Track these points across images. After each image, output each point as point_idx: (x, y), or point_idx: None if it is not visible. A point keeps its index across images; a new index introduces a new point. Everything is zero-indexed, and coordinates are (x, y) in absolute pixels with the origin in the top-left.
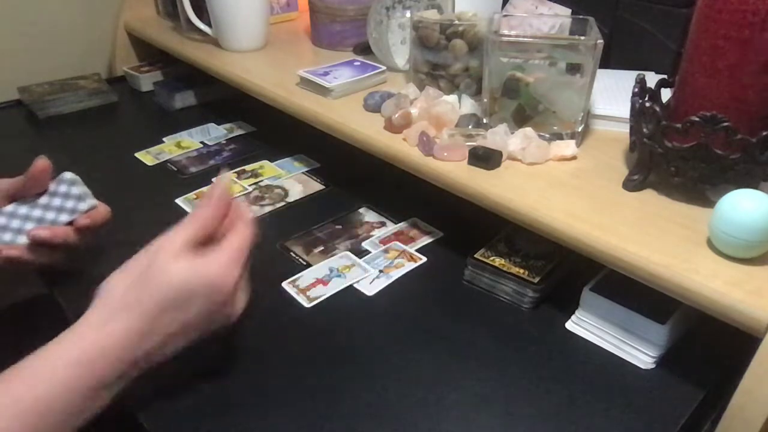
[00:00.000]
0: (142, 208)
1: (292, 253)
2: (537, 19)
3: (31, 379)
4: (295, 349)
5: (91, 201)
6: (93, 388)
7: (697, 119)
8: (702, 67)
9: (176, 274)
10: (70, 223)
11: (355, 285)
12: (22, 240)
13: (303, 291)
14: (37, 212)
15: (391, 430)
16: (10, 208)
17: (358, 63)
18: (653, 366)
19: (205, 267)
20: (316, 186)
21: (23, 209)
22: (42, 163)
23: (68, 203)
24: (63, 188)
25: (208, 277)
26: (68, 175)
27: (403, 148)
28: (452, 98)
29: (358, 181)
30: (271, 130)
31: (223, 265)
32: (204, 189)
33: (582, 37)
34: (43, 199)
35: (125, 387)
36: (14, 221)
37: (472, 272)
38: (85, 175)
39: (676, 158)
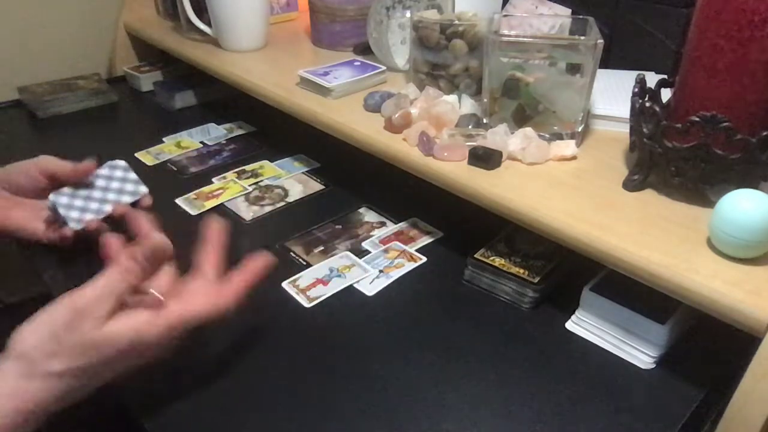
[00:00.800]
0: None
1: (292, 253)
2: (537, 19)
3: None
4: (295, 348)
5: (145, 187)
6: None
7: (697, 119)
8: (702, 67)
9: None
10: (133, 205)
11: (355, 285)
12: (88, 217)
13: (303, 291)
14: (97, 193)
15: (391, 430)
16: (68, 190)
17: (358, 63)
18: (653, 366)
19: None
20: (316, 186)
21: (83, 191)
22: (92, 164)
23: (128, 186)
24: (119, 173)
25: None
26: (122, 162)
27: (403, 148)
28: (452, 98)
29: (358, 181)
30: (271, 130)
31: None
32: (204, 189)
33: (582, 37)
34: (100, 182)
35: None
36: (77, 200)
37: (472, 272)
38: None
39: (676, 158)
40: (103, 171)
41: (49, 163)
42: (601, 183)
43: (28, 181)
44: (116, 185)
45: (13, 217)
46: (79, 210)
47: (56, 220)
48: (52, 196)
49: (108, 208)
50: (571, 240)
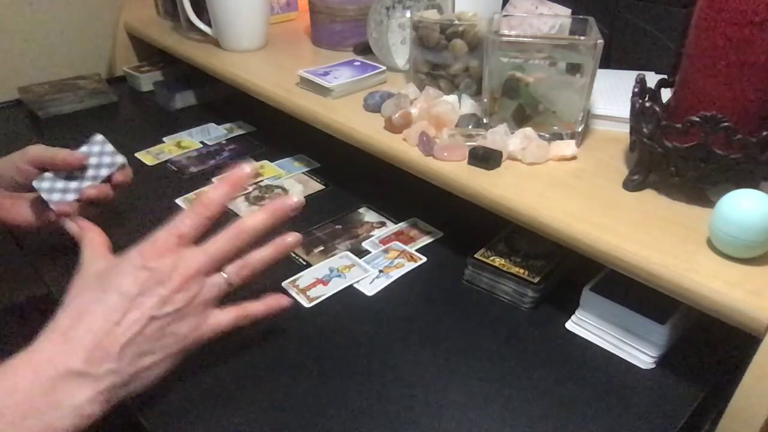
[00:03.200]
0: (142, 208)
1: (292, 253)
2: (537, 19)
3: None
4: (295, 348)
5: (122, 157)
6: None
7: (697, 119)
8: (702, 67)
9: (93, 265)
10: (108, 180)
11: (355, 285)
12: (70, 197)
13: (303, 291)
14: (77, 172)
15: (391, 430)
16: (50, 173)
17: (358, 63)
18: (653, 366)
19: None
20: (316, 186)
21: (63, 172)
22: (81, 156)
23: (105, 159)
24: (96, 148)
25: (126, 253)
26: (99, 136)
27: (403, 148)
28: (452, 98)
29: (358, 181)
30: (271, 130)
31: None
32: (204, 189)
33: (582, 37)
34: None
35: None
36: (58, 182)
37: (472, 272)
38: None
39: (676, 158)
40: (83, 149)
41: (40, 152)
42: (601, 183)
43: (18, 174)
44: (95, 161)
45: (8, 215)
46: (61, 192)
47: (42, 205)
48: (35, 183)
49: (87, 184)
50: (571, 240)
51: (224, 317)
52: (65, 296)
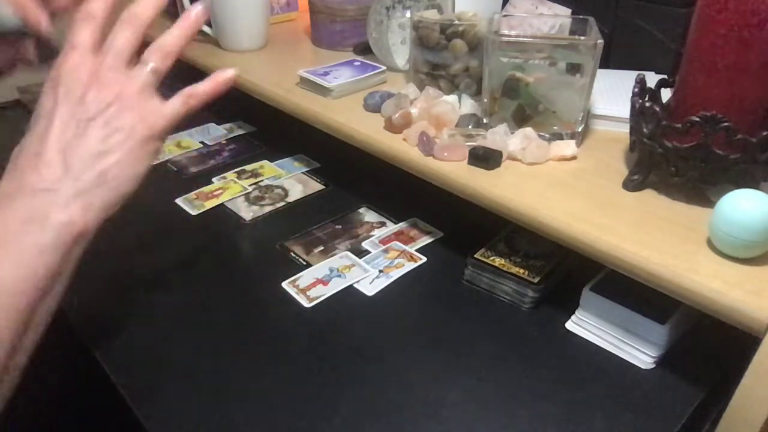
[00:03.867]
0: (142, 208)
1: (292, 253)
2: (537, 19)
3: None
4: (294, 348)
5: None
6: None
7: (697, 119)
8: (702, 67)
9: None
10: None
11: (355, 285)
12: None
13: (303, 291)
14: None
15: (391, 430)
16: None
17: (358, 63)
18: (653, 366)
19: None
20: (316, 186)
21: None
22: None
23: None
24: None
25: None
26: None
27: (403, 148)
28: (452, 98)
29: (358, 181)
30: (271, 130)
31: None
32: (204, 189)
33: (582, 37)
34: None
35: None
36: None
37: (472, 272)
38: None
39: (676, 158)
40: None
41: None
42: (601, 183)
43: None
44: None
45: None
46: None
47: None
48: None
49: None
50: (571, 240)
51: (169, 102)
52: None
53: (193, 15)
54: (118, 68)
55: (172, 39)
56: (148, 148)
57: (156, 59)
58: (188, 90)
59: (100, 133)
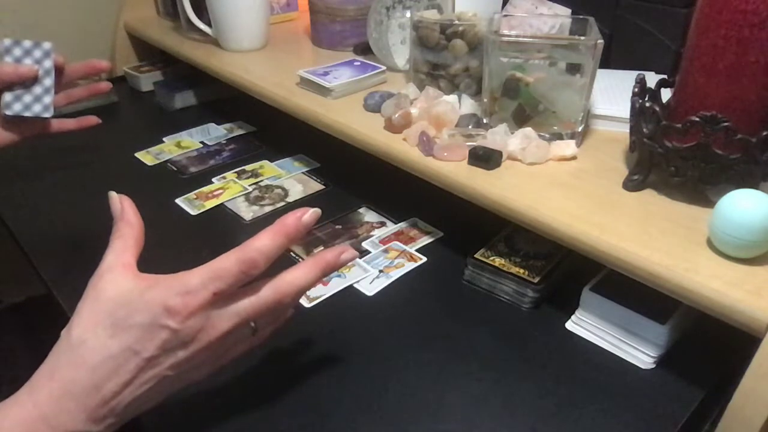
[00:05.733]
0: (142, 208)
1: (292, 253)
2: (537, 19)
3: None
4: (295, 349)
5: (47, 43)
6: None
7: (697, 119)
8: (702, 67)
9: (111, 288)
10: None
11: (355, 285)
12: (48, 100)
13: None
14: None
15: (391, 430)
16: (8, 95)
17: (358, 63)
18: (653, 366)
19: (152, 286)
20: (316, 186)
21: (17, 87)
22: (31, 65)
23: (36, 53)
24: (18, 51)
25: (152, 293)
26: (6, 42)
27: (403, 148)
28: (452, 98)
29: (358, 181)
30: (271, 130)
31: (179, 279)
32: (204, 189)
33: (582, 37)
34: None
35: None
36: (26, 96)
37: (472, 272)
38: (84, 175)
39: (676, 158)
40: (9, 59)
41: None
42: (601, 183)
43: None
44: (29, 60)
45: None
46: (36, 101)
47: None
48: (5, 111)
49: (48, 83)
50: (571, 240)
51: (243, 349)
52: (73, 317)
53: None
54: (234, 327)
55: (289, 319)
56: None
57: (265, 328)
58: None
59: (166, 384)
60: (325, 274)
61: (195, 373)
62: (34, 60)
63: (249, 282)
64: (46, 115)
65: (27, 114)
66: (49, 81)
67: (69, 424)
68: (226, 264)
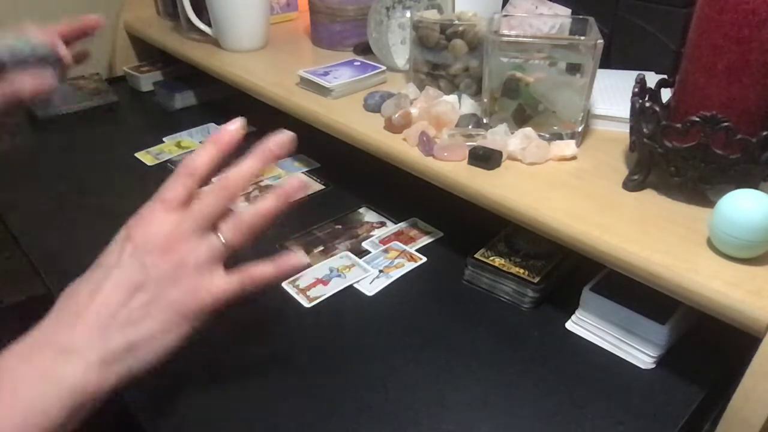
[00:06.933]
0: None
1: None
2: (537, 19)
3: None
4: (295, 349)
5: (32, 38)
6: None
7: (697, 119)
8: (702, 67)
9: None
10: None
11: (355, 285)
12: (64, 90)
13: (303, 291)
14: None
15: (391, 430)
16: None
17: (358, 63)
18: (653, 366)
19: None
20: (316, 186)
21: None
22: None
23: (26, 51)
24: (5, 54)
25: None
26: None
27: (403, 148)
28: (452, 98)
29: (358, 181)
30: (271, 130)
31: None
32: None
33: (582, 37)
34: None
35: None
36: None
37: (472, 272)
38: (85, 175)
39: (676, 158)
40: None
41: (9, 96)
42: (601, 183)
43: None
44: (32, 60)
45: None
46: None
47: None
48: (40, 114)
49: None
50: (571, 240)
51: (225, 282)
52: None
53: (288, 188)
54: (193, 235)
55: (257, 216)
56: (187, 324)
57: (233, 235)
58: (248, 273)
59: (144, 302)
60: (266, 163)
61: (174, 291)
62: (35, 57)
63: None
64: (70, 102)
65: (53, 112)
66: (51, 72)
67: (53, 339)
68: (168, 180)
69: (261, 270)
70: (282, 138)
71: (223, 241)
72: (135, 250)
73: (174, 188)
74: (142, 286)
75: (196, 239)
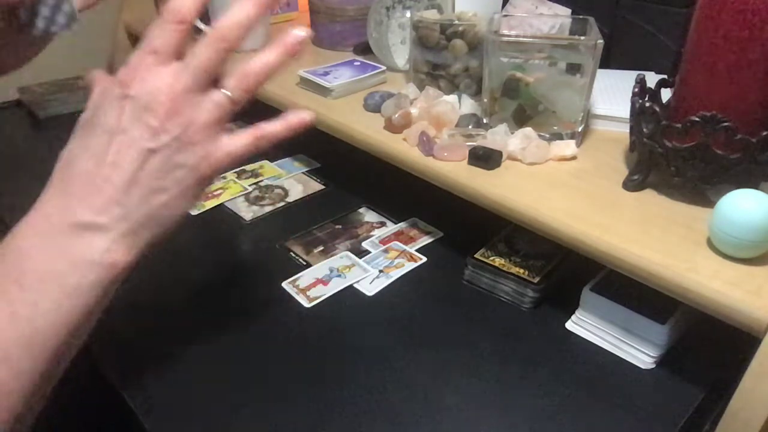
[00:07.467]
0: None
1: (292, 253)
2: (537, 19)
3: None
4: (294, 348)
5: None
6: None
7: (697, 119)
8: (702, 67)
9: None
10: None
11: (355, 285)
12: (66, 8)
13: (303, 291)
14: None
15: (391, 430)
16: (23, 11)
17: (358, 63)
18: (653, 366)
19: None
20: (316, 186)
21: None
22: None
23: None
24: None
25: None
26: None
27: (403, 148)
28: (452, 98)
29: (358, 181)
30: None
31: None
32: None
33: (582, 37)
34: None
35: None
36: (43, 10)
37: (472, 272)
38: None
39: (676, 158)
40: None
41: None
42: (601, 183)
43: None
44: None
45: None
46: (54, 8)
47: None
48: (33, 31)
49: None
50: (571, 240)
51: (238, 140)
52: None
53: (291, 40)
54: (194, 91)
55: (261, 66)
56: (201, 187)
57: (237, 88)
58: (259, 130)
59: (159, 168)
60: (262, 11)
61: (189, 154)
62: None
63: None
64: (74, 24)
65: (54, 29)
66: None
67: (69, 216)
68: (153, 27)
69: (271, 127)
70: (300, 34)
71: (228, 96)
72: (136, 110)
73: (163, 36)
74: (154, 152)
75: (200, 95)
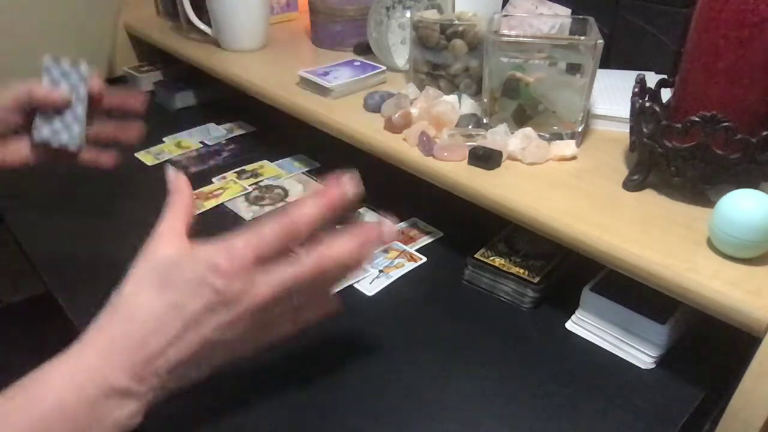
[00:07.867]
0: (142, 208)
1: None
2: (537, 19)
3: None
4: (294, 348)
5: (84, 65)
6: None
7: (697, 119)
8: (702, 67)
9: (161, 250)
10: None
11: (355, 285)
12: (77, 129)
13: None
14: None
15: (391, 430)
16: (39, 120)
17: (358, 63)
18: (653, 366)
19: (199, 248)
20: (316, 186)
21: (50, 112)
22: (64, 94)
23: (72, 77)
24: (56, 72)
25: (199, 253)
26: (47, 59)
27: (403, 148)
28: (452, 98)
29: (358, 181)
30: (271, 130)
31: (229, 245)
32: (204, 189)
33: (582, 37)
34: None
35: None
36: (55, 122)
37: (472, 272)
38: (84, 175)
39: (676, 158)
40: (47, 81)
41: (18, 96)
42: (601, 183)
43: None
44: (65, 85)
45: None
46: (65, 130)
47: (54, 151)
48: (36, 136)
49: (80, 110)
50: (571, 240)
51: (286, 328)
52: (125, 279)
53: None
54: (276, 300)
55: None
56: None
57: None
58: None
59: (209, 353)
60: (367, 250)
61: (239, 345)
62: (70, 84)
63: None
64: (72, 146)
65: (54, 143)
66: (81, 109)
67: (112, 378)
68: (269, 228)
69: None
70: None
71: (296, 305)
72: (218, 304)
73: (273, 245)
74: (213, 342)
75: (277, 300)
